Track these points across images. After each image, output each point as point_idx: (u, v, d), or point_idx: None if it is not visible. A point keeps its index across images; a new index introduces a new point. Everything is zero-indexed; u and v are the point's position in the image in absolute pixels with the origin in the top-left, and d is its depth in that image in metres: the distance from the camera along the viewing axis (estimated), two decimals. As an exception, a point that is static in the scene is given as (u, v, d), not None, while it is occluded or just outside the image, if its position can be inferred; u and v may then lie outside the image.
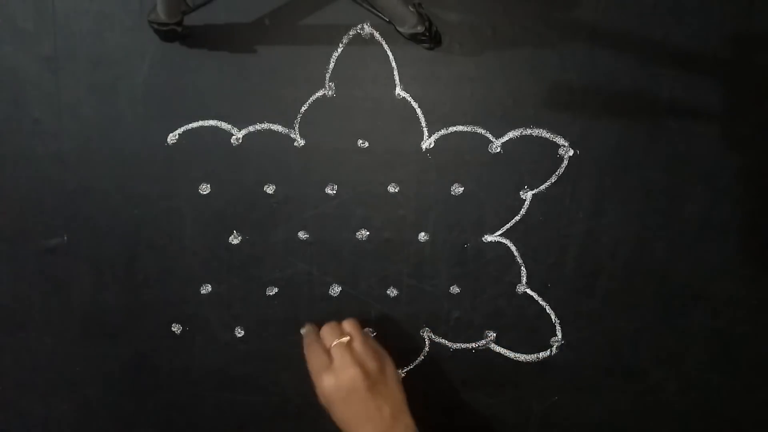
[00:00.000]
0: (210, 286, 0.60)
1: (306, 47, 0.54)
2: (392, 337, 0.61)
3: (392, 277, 0.60)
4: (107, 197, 0.57)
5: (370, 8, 0.50)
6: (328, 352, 0.52)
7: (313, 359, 0.52)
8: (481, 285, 0.60)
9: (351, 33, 0.54)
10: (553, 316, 0.61)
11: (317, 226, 0.59)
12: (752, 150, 0.57)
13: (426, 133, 0.56)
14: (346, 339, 0.52)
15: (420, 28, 0.51)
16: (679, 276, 0.60)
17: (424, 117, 0.56)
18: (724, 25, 0.54)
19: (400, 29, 0.52)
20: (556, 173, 0.57)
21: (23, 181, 0.57)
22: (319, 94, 0.55)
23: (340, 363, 0.51)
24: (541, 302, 0.61)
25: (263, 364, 0.62)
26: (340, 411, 0.50)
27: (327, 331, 0.54)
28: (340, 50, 0.55)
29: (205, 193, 0.58)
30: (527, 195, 0.58)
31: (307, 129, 0.56)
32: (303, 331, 0.58)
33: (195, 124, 0.56)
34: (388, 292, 0.60)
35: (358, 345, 0.52)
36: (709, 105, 0.56)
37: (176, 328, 0.61)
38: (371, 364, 0.51)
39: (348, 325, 0.54)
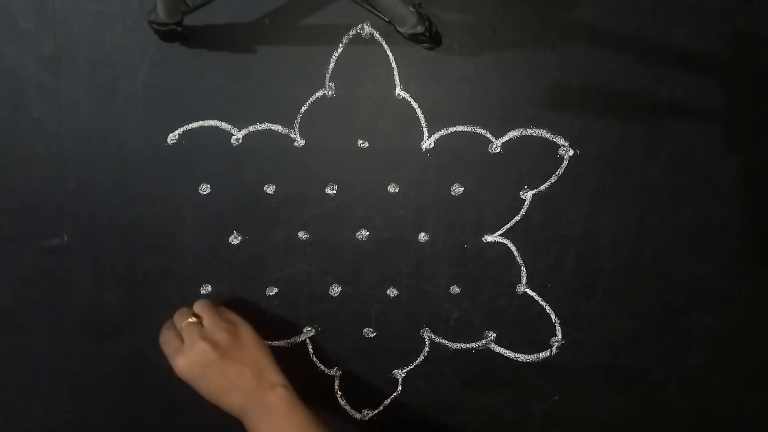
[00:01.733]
0: (210, 286, 0.60)
1: (306, 47, 0.54)
2: (392, 337, 0.61)
3: (392, 277, 0.60)
4: (107, 197, 0.57)
5: (370, 8, 0.50)
6: (180, 336, 0.53)
7: (165, 344, 0.53)
8: (481, 285, 0.60)
9: (351, 33, 0.54)
10: (553, 316, 0.61)
11: (317, 226, 0.59)
12: (752, 150, 0.57)
13: (426, 133, 0.56)
14: (193, 320, 0.53)
15: (420, 28, 0.51)
16: (679, 276, 0.60)
17: (424, 117, 0.56)
18: (724, 25, 0.54)
19: (400, 29, 0.52)
20: (556, 173, 0.57)
21: (23, 181, 0.57)
22: (319, 94, 0.55)
23: (188, 341, 0.51)
24: (541, 302, 0.61)
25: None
26: (203, 386, 0.51)
27: (177, 316, 0.55)
28: (340, 50, 0.55)
29: (205, 193, 0.58)
30: (527, 195, 0.58)
31: (307, 129, 0.56)
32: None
33: (195, 124, 0.56)
34: (388, 292, 0.60)
35: (206, 321, 0.53)
36: (709, 105, 0.56)
37: (176, 328, 0.61)
38: (220, 335, 0.52)
39: (197, 306, 0.55)
